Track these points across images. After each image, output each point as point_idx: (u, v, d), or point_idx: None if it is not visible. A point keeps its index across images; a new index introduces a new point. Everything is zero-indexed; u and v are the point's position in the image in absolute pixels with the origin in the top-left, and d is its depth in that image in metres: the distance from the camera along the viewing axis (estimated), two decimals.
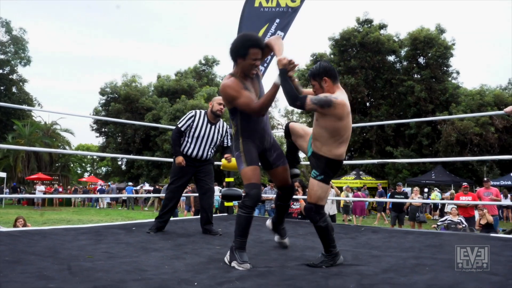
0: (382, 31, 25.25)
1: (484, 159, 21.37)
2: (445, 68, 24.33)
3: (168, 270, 2.46)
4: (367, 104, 26.62)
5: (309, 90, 2.93)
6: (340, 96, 2.69)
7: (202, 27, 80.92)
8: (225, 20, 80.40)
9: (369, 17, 25.71)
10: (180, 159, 4.09)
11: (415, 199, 11.85)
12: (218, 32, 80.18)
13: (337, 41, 25.15)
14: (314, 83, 2.76)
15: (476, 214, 9.73)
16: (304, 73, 26.49)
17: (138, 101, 30.29)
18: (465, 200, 9.28)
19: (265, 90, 2.87)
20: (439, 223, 8.89)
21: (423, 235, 4.09)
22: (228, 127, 4.39)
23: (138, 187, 24.26)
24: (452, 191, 15.84)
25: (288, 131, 3.11)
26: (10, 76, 33.42)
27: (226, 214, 6.00)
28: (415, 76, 24.43)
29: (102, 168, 45.72)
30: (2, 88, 32.66)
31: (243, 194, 3.19)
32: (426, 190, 18.37)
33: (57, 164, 34.05)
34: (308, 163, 3.09)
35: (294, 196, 4.21)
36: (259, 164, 2.89)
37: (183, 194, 10.71)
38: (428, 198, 17.17)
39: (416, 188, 13.33)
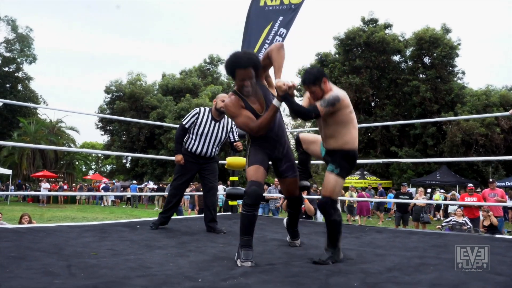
0: (387, 31, 25.17)
1: (490, 160, 21.27)
2: (450, 68, 24.21)
3: (172, 267, 2.47)
4: (372, 104, 26.55)
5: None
6: (338, 89, 2.81)
7: (207, 26, 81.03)
8: (230, 19, 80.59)
9: (374, 17, 25.66)
10: (179, 157, 4.12)
11: (419, 200, 11.80)
12: (223, 30, 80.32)
13: (342, 41, 25.09)
14: (315, 89, 2.79)
15: (481, 215, 9.69)
16: None
17: (143, 99, 30.35)
18: (470, 201, 9.23)
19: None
20: (443, 224, 8.85)
21: (427, 235, 4.08)
22: (233, 123, 4.38)
23: (142, 185, 24.33)
24: (453, 192, 15.78)
25: (299, 141, 3.22)
26: (15, 74, 33.59)
27: (230, 213, 6.02)
28: (420, 76, 24.33)
29: (107, 166, 45.83)
30: (8, 85, 32.83)
31: None
32: (429, 190, 18.29)
33: (62, 162, 34.20)
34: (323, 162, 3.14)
35: None
36: (265, 165, 2.91)
37: (187, 193, 10.70)
38: (430, 199, 17.11)
39: (421, 189, 13.28)
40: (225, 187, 14.89)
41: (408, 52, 25.04)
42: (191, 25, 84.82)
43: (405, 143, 24.07)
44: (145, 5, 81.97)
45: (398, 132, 24.04)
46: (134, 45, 78.86)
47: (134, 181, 26.71)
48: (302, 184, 3.23)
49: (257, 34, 5.87)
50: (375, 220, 15.45)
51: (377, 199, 14.38)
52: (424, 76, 24.10)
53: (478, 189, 13.73)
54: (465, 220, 8.41)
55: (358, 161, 2.98)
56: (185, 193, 4.77)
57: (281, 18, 5.81)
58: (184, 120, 4.19)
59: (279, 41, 5.81)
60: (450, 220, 8.64)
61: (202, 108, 4.25)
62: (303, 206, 6.34)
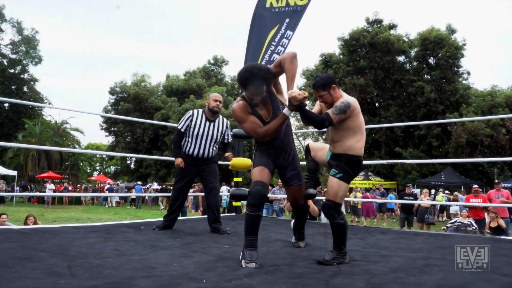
0: (392, 31, 25.09)
1: (495, 161, 21.14)
2: (455, 69, 24.09)
3: (176, 268, 2.47)
4: (376, 104, 26.47)
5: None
6: (348, 96, 2.84)
7: (211, 27, 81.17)
8: (235, 20, 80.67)
9: (379, 17, 25.58)
10: (178, 160, 4.17)
11: (423, 201, 11.76)
12: (228, 32, 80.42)
13: (346, 41, 25.04)
14: (324, 93, 2.83)
15: (487, 216, 9.63)
16: (313, 74, 26.44)
17: (147, 100, 30.45)
18: (476, 202, 9.18)
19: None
20: (448, 225, 8.81)
21: (432, 236, 4.07)
22: (228, 122, 4.40)
23: (146, 186, 24.38)
24: (456, 193, 15.71)
25: (308, 149, 3.30)
26: (21, 76, 33.77)
27: (234, 213, 6.01)
28: (425, 76, 24.23)
29: (111, 167, 46.01)
30: (13, 87, 32.99)
31: None
32: (433, 192, 18.22)
33: (67, 163, 34.37)
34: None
35: None
36: (270, 167, 2.92)
37: (191, 194, 10.66)
38: (434, 200, 17.05)
39: (425, 190, 13.23)
40: (229, 188, 14.91)
41: (412, 53, 24.95)
42: (192, 25, 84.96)
43: (410, 144, 23.98)
44: (146, 5, 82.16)
45: (402, 133, 23.96)
46: (137, 45, 79.16)
47: (139, 182, 26.78)
48: (309, 192, 3.24)
49: (262, 36, 5.86)
50: (380, 222, 15.40)
51: (380, 200, 14.33)
52: (429, 77, 24.00)
53: (480, 190, 13.64)
54: (470, 221, 8.37)
55: (363, 162, 2.99)
56: (189, 194, 4.78)
57: (287, 20, 5.80)
58: (179, 125, 4.23)
59: (286, 43, 5.81)
60: (455, 221, 8.60)
61: (195, 110, 4.28)
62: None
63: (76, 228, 3.93)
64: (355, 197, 14.39)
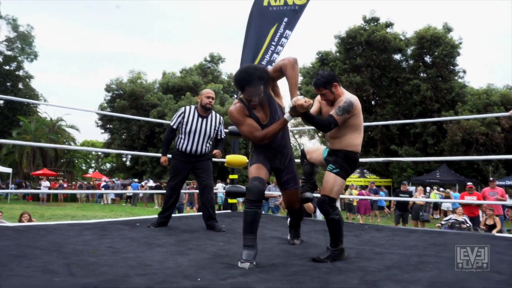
0: (388, 30, 25.14)
1: (490, 159, 21.27)
2: (451, 67, 24.19)
3: (171, 265, 2.47)
4: (373, 102, 26.53)
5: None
6: (350, 94, 2.86)
7: (207, 24, 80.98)
8: (231, 17, 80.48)
9: (376, 15, 25.62)
10: (163, 159, 4.26)
11: (418, 198, 11.81)
12: (224, 29, 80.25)
13: (343, 39, 25.07)
14: (326, 91, 2.83)
15: (481, 213, 9.69)
16: (309, 71, 26.46)
17: (143, 97, 30.38)
18: (470, 200, 9.23)
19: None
20: (443, 222, 8.86)
21: (427, 233, 4.08)
22: (221, 118, 4.39)
23: (142, 183, 24.35)
24: (448, 190, 15.80)
25: (303, 153, 3.31)
26: (16, 73, 33.59)
27: (230, 211, 6.01)
28: (421, 75, 24.31)
29: (107, 164, 45.88)
30: (8, 84, 32.81)
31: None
32: (428, 189, 18.30)
33: (62, 160, 34.24)
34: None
35: None
36: (267, 166, 2.92)
37: (185, 191, 10.64)
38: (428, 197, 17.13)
39: (420, 188, 13.30)
40: (224, 185, 14.90)
41: (409, 51, 25.02)
42: (193, 24, 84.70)
43: (405, 141, 24.07)
44: (145, 4, 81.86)
45: (398, 131, 24.04)
46: (134, 43, 78.84)
47: (135, 180, 26.74)
48: (305, 196, 3.23)
49: (261, 35, 5.83)
50: (374, 219, 15.46)
51: (375, 197, 14.38)
52: (425, 75, 24.08)
53: (475, 188, 13.70)
54: (464, 219, 8.42)
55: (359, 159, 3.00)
56: (183, 191, 4.79)
57: (285, 19, 5.78)
58: (171, 122, 4.23)
59: (285, 43, 5.80)
60: (450, 219, 8.65)
61: (188, 106, 4.27)
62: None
63: (71, 226, 3.92)
64: (351, 194, 14.43)
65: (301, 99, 2.63)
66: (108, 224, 4.11)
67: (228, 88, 32.09)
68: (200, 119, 4.17)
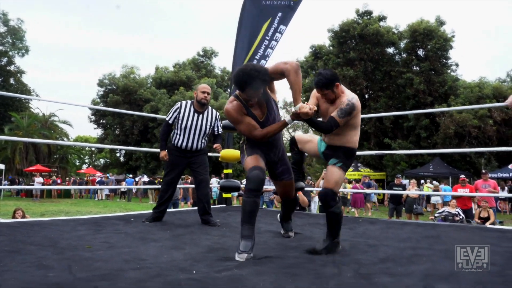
0: (381, 23, 25.14)
1: (482, 151, 21.40)
2: (444, 60, 24.26)
3: (166, 260, 2.47)
4: (366, 96, 26.57)
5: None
6: (350, 93, 2.89)
7: (201, 18, 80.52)
8: (224, 12, 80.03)
9: (369, 9, 25.58)
10: (163, 153, 4.20)
11: (412, 191, 11.88)
12: (217, 23, 79.84)
13: (336, 33, 25.03)
14: (327, 92, 2.84)
15: (474, 206, 9.77)
16: (302, 65, 26.42)
17: (136, 92, 30.25)
18: (463, 192, 9.30)
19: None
20: (436, 215, 8.93)
21: (420, 226, 4.12)
22: (217, 114, 4.37)
23: (136, 179, 24.29)
24: (436, 183, 15.93)
25: (294, 141, 3.30)
26: (7, 68, 33.26)
27: (224, 205, 6.02)
28: (414, 68, 24.36)
29: (101, 160, 45.68)
30: (0, 79, 32.51)
31: (241, 185, 3.26)
32: (422, 182, 18.42)
33: (55, 156, 34.02)
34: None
35: None
36: (262, 157, 2.91)
37: (180, 186, 10.61)
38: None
39: (413, 181, 13.38)
40: (219, 179, 14.91)
41: (402, 45, 25.04)
42: (186, 18, 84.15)
43: (399, 135, 24.15)
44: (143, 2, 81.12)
45: (391, 124, 24.12)
46: (127, 39, 78.27)
47: (130, 175, 26.66)
48: (298, 185, 3.31)
49: (254, 30, 5.81)
50: (368, 212, 15.55)
51: (369, 190, 14.45)
52: (418, 69, 24.14)
53: (468, 180, 13.80)
54: (457, 211, 8.49)
55: None
56: (178, 186, 4.79)
57: (280, 14, 5.76)
58: (167, 117, 4.21)
59: (279, 38, 5.79)
60: (443, 211, 8.72)
61: (184, 102, 4.26)
62: None
63: (65, 221, 3.91)
64: (345, 188, 14.48)
65: (306, 107, 2.66)
66: (103, 220, 4.10)
67: (221, 83, 32.03)
68: (196, 115, 4.16)
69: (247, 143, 2.98)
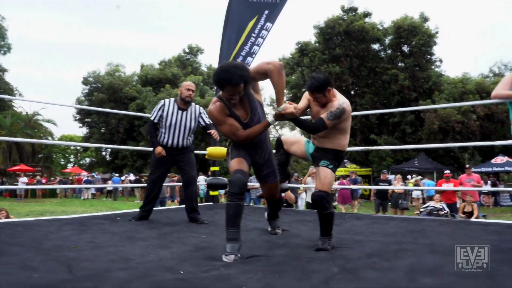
0: (366, 19, 25.27)
1: (466, 146, 21.70)
2: (428, 56, 24.50)
3: (153, 259, 2.46)
4: (352, 92, 26.72)
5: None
6: (342, 97, 2.92)
7: (186, 15, 79.98)
8: (210, 8, 79.55)
9: (354, 5, 25.72)
10: (159, 149, 4.10)
11: (397, 186, 12.01)
12: (203, 20, 79.44)
13: (322, 29, 25.09)
14: (319, 95, 2.86)
15: (458, 200, 9.93)
16: (288, 62, 26.47)
17: (121, 90, 29.95)
18: (447, 187, 9.44)
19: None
20: (421, 210, 9.05)
21: (405, 221, 4.17)
22: (201, 109, 4.33)
23: (123, 177, 24.11)
24: (416, 178, 16.16)
25: (280, 142, 3.32)
26: None
27: (211, 203, 6.01)
28: (399, 64, 24.59)
29: (86, 158, 45.20)
30: None
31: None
32: (409, 177, 18.64)
33: (39, 155, 33.51)
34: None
35: None
36: (247, 160, 2.91)
37: (167, 184, 10.50)
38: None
39: (398, 176, 13.51)
40: (206, 177, 14.87)
41: (387, 41, 25.23)
42: (171, 15, 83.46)
43: (384, 131, 24.37)
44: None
45: (377, 120, 24.32)
46: (111, 35, 77.34)
47: (116, 174, 26.43)
48: (283, 187, 3.35)
49: (241, 27, 5.79)
50: (354, 208, 15.67)
51: (355, 186, 14.55)
52: (402, 65, 24.37)
53: (452, 175, 13.98)
54: (442, 206, 8.62)
55: None
56: (165, 184, 4.76)
57: (266, 11, 5.75)
58: (151, 116, 4.17)
59: (265, 35, 5.78)
60: (428, 206, 8.84)
61: (167, 100, 4.23)
62: (283, 194, 6.41)
63: (50, 221, 3.86)
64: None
65: (290, 108, 2.68)
66: (88, 219, 4.06)
67: (208, 80, 31.86)
68: (180, 112, 4.13)
69: (233, 145, 2.97)
